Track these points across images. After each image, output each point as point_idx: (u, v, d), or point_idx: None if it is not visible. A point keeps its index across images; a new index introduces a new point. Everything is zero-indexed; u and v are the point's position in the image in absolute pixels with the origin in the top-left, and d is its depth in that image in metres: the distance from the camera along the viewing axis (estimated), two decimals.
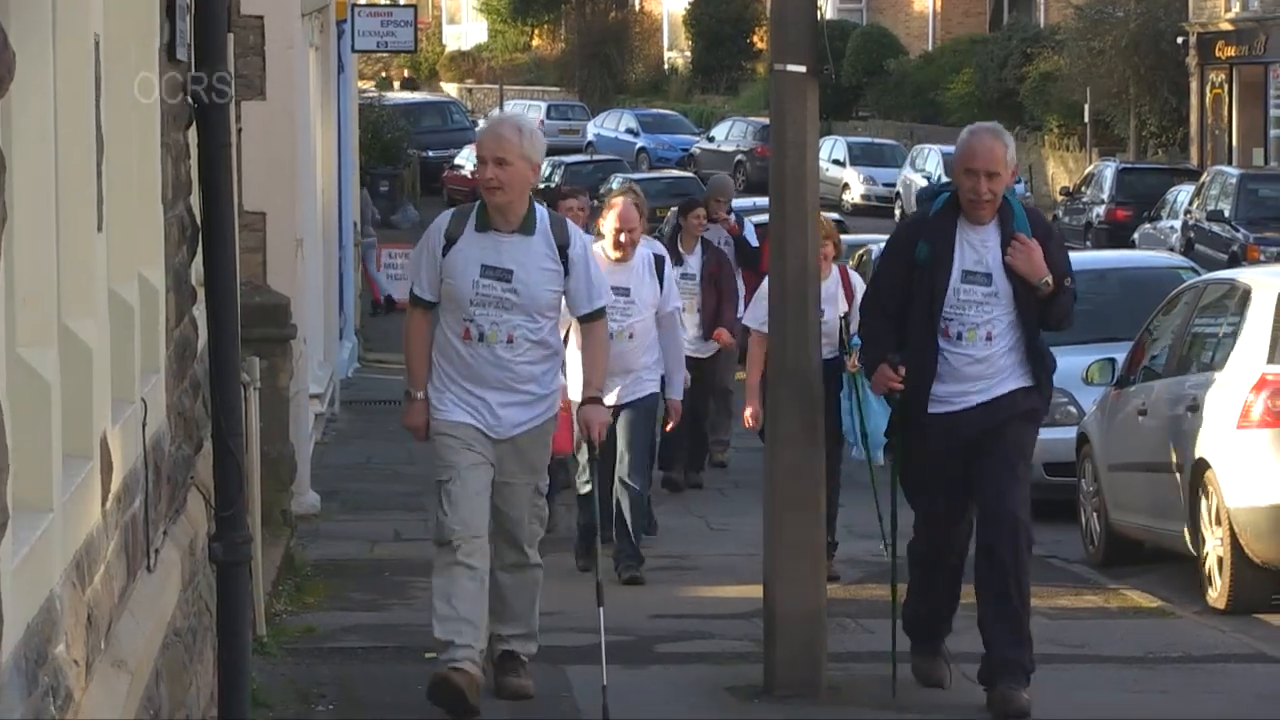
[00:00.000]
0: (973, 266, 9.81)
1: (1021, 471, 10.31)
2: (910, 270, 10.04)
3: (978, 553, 10.18)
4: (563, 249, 9.84)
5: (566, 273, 9.88)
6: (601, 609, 10.51)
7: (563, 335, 11.30)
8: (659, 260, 16.25)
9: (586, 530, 15.40)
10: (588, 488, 12.21)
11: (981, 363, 9.87)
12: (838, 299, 15.60)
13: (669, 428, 17.62)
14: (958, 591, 10.62)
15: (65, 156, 6.06)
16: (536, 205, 10.09)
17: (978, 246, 9.84)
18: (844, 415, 15.53)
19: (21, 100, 5.19)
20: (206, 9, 9.01)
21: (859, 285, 15.86)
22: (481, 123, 19.60)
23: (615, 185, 49.56)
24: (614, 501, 15.46)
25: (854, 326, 14.94)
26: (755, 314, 15.88)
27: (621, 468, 15.47)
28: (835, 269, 16.00)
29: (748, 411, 16.49)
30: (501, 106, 65.35)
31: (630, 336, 15.41)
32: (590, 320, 10.14)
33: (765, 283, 14.11)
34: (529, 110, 67.44)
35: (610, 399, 14.20)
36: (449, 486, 10.11)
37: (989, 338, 9.77)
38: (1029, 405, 10.24)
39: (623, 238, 15.44)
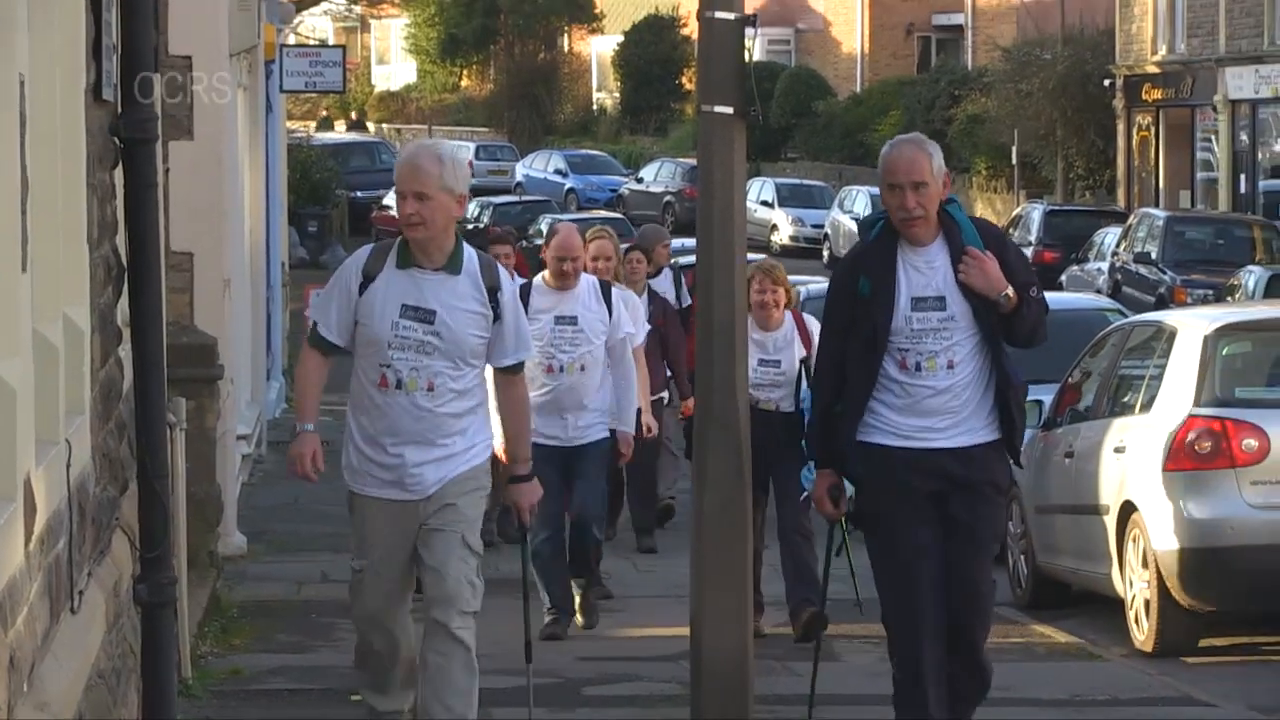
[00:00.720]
0: (921, 291, 8.76)
1: (989, 563, 9.33)
2: (854, 310, 9.00)
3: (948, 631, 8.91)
4: (492, 291, 8.93)
5: (496, 318, 8.97)
6: (529, 665, 10.27)
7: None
8: (604, 285, 15.12)
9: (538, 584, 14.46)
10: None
11: (944, 394, 8.82)
12: (794, 346, 14.72)
13: (620, 461, 16.19)
14: (939, 695, 8.98)
15: None
16: (464, 243, 9.13)
17: (924, 269, 8.80)
18: (806, 470, 12.98)
19: None
20: (133, 49, 8.99)
21: (814, 327, 13.65)
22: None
23: (544, 226, 49.96)
24: (570, 545, 14.86)
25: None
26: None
27: (580, 509, 14.85)
28: (788, 315, 14.91)
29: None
30: None
31: (581, 369, 14.59)
32: (511, 373, 9.28)
33: None
34: (457, 147, 67.33)
35: (559, 437, 14.29)
36: (361, 577, 9.44)
37: (950, 366, 8.75)
38: (1000, 477, 9.13)
39: (565, 266, 14.60)
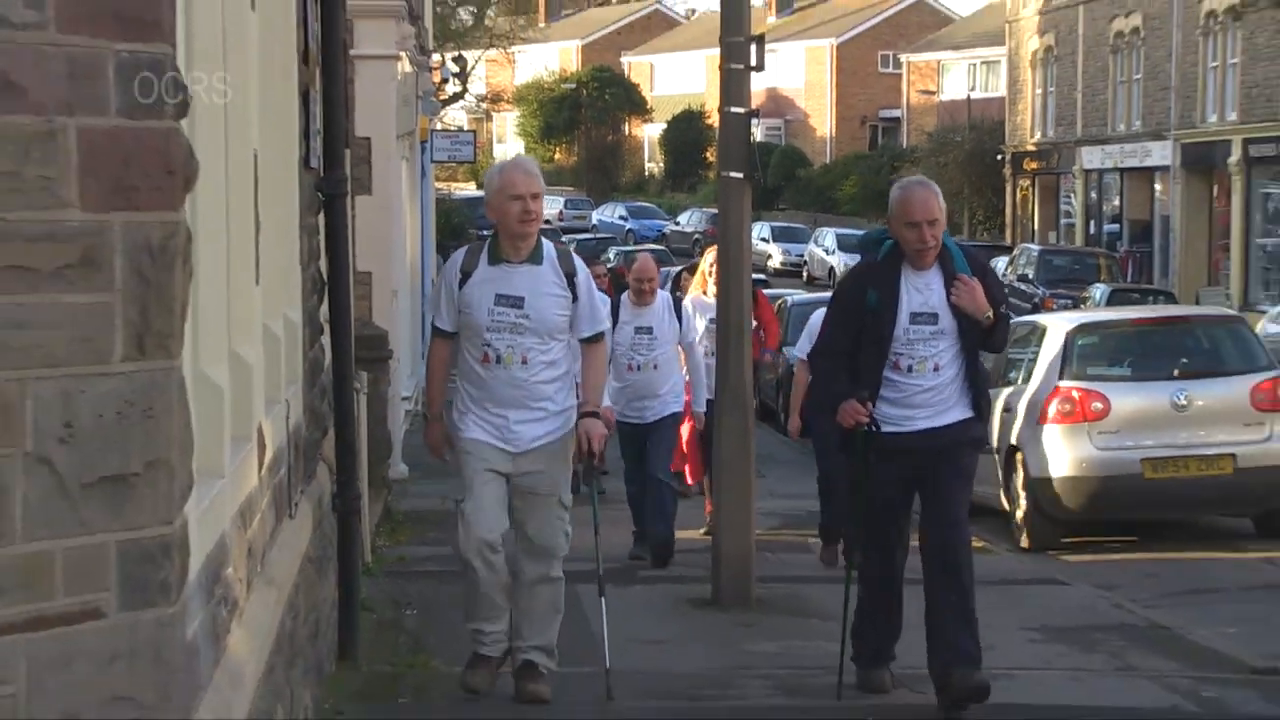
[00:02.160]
0: (919, 308, 8.04)
1: (963, 492, 8.45)
2: (861, 315, 8.18)
3: (931, 562, 8.09)
4: (569, 277, 8.01)
5: (574, 299, 8.03)
6: (600, 571, 8.86)
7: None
8: (677, 301, 14.01)
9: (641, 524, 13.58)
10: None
11: (929, 391, 8.10)
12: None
13: (688, 434, 14.35)
14: (899, 614, 8.47)
15: (233, 232, 6.07)
16: (543, 238, 8.20)
17: (922, 290, 8.05)
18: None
19: (204, 193, 5.20)
20: (331, 133, 9.03)
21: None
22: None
23: (612, 255, 49.97)
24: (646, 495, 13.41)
25: None
26: (801, 346, 14.08)
27: (653, 468, 13.22)
28: None
29: (791, 424, 14.64)
30: None
31: (655, 367, 13.24)
32: (591, 342, 8.20)
33: (816, 316, 12.74)
34: (550, 202, 67.43)
35: (639, 419, 13.28)
36: (464, 507, 8.13)
37: (936, 369, 8.05)
38: (974, 434, 8.41)
39: (643, 286, 13.38)
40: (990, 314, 8.02)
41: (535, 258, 7.91)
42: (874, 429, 8.13)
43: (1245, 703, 9.00)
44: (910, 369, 8.03)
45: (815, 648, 9.96)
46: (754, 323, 14.16)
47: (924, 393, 8.09)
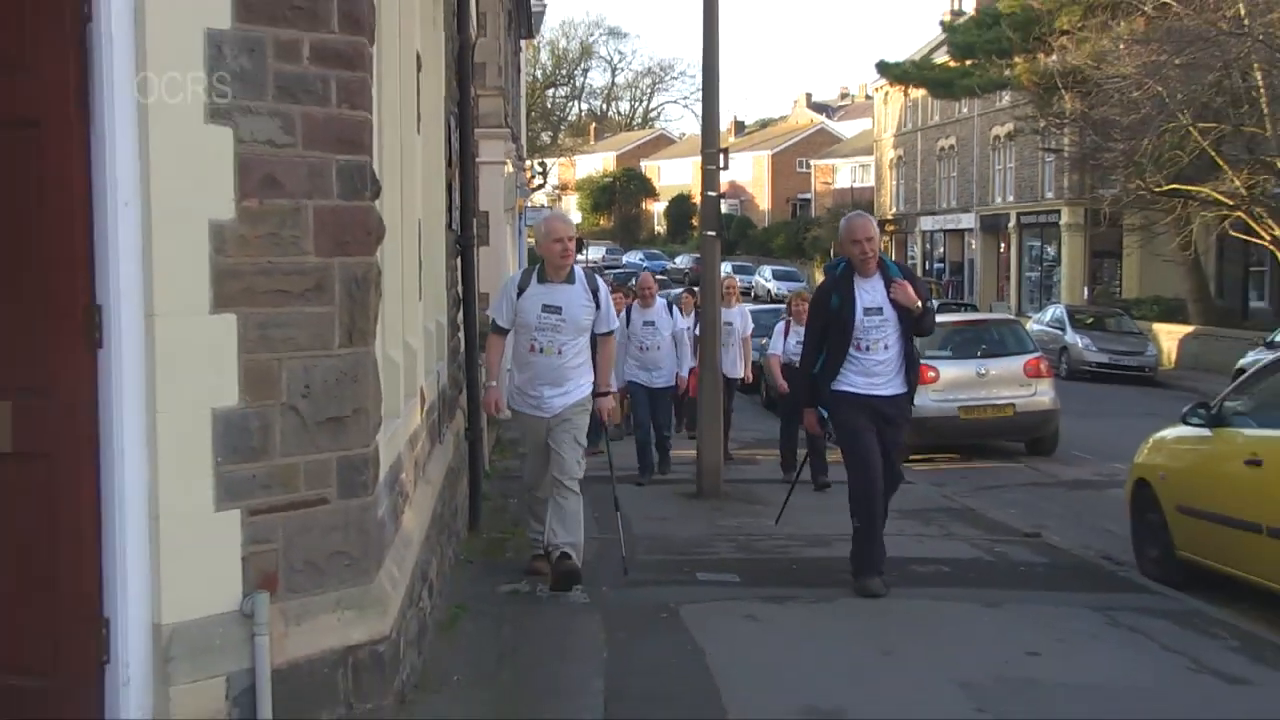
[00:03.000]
0: (869, 305, 7.56)
1: (899, 453, 7.86)
2: (828, 313, 7.66)
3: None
4: (594, 292, 7.44)
5: (597, 306, 7.44)
6: (615, 495, 8.31)
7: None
8: (669, 304, 13.63)
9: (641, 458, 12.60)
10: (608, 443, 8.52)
11: (882, 363, 7.54)
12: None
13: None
14: (882, 528, 7.67)
15: (405, 268, 6.10)
16: (575, 266, 7.60)
17: (870, 291, 7.57)
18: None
19: (389, 245, 5.24)
20: (464, 205, 9.05)
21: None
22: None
23: (634, 283, 49.80)
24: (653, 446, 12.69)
25: None
26: (774, 344, 13.00)
27: (659, 425, 12.84)
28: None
29: (780, 387, 12.78)
30: (583, 250, 65.17)
31: (659, 348, 12.70)
32: (605, 337, 7.62)
33: (778, 325, 12.91)
34: (596, 250, 67.33)
35: (647, 383, 12.62)
36: (524, 456, 7.86)
37: (885, 347, 7.52)
38: (906, 411, 7.78)
39: (645, 292, 13.14)
40: (919, 305, 7.57)
41: (570, 279, 7.39)
42: (825, 427, 7.89)
43: (1019, 554, 9.02)
44: (867, 349, 7.55)
45: (760, 523, 9.97)
46: (751, 325, 14.14)
47: (879, 364, 7.57)
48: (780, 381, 12.58)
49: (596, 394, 7.56)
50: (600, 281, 7.64)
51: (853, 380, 7.60)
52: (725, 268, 36.29)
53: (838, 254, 7.98)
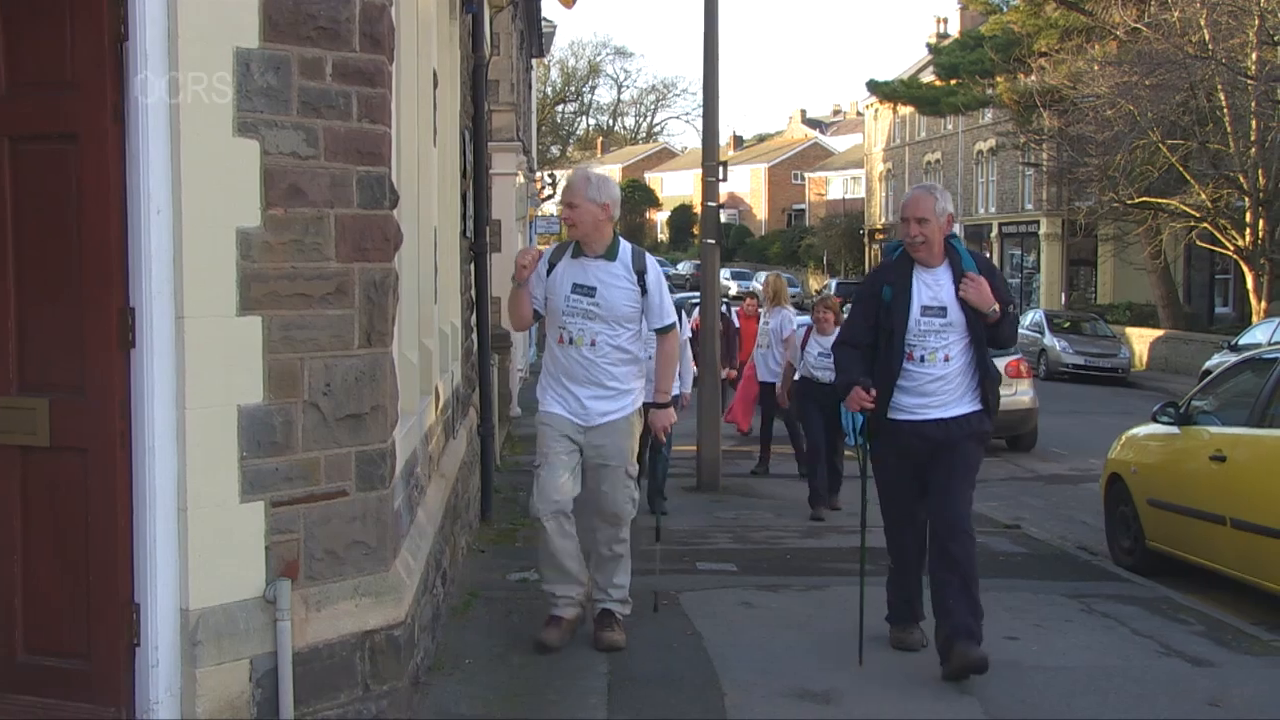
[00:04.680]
0: (929, 302, 5.64)
1: (967, 484, 5.63)
2: (878, 309, 5.70)
3: (937, 553, 5.52)
4: (640, 274, 5.74)
5: (644, 293, 5.74)
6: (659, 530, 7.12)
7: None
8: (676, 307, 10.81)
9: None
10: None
11: (940, 380, 5.59)
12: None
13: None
14: (920, 579, 5.88)
15: (422, 274, 6.07)
16: (620, 238, 5.83)
17: (932, 285, 5.65)
18: (843, 417, 7.84)
19: (407, 251, 5.21)
20: (478, 215, 9.01)
21: None
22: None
23: None
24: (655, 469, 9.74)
25: None
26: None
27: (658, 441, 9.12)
28: (838, 328, 8.28)
29: (780, 398, 11.29)
30: None
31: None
32: (661, 333, 5.92)
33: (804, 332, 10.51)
34: None
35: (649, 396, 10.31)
36: (539, 472, 5.70)
37: (947, 359, 5.58)
38: (981, 428, 5.69)
39: None
40: (996, 308, 5.57)
41: (610, 254, 5.74)
42: (876, 413, 5.64)
43: (999, 545, 8.97)
44: (922, 359, 5.60)
45: (756, 516, 9.95)
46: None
47: (934, 381, 5.59)
48: (782, 390, 11.07)
49: (652, 404, 5.95)
50: (651, 262, 5.83)
51: (898, 401, 5.63)
52: (724, 274, 36.15)
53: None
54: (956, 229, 5.85)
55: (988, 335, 5.64)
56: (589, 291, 5.66)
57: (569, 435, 5.67)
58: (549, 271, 5.76)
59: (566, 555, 5.68)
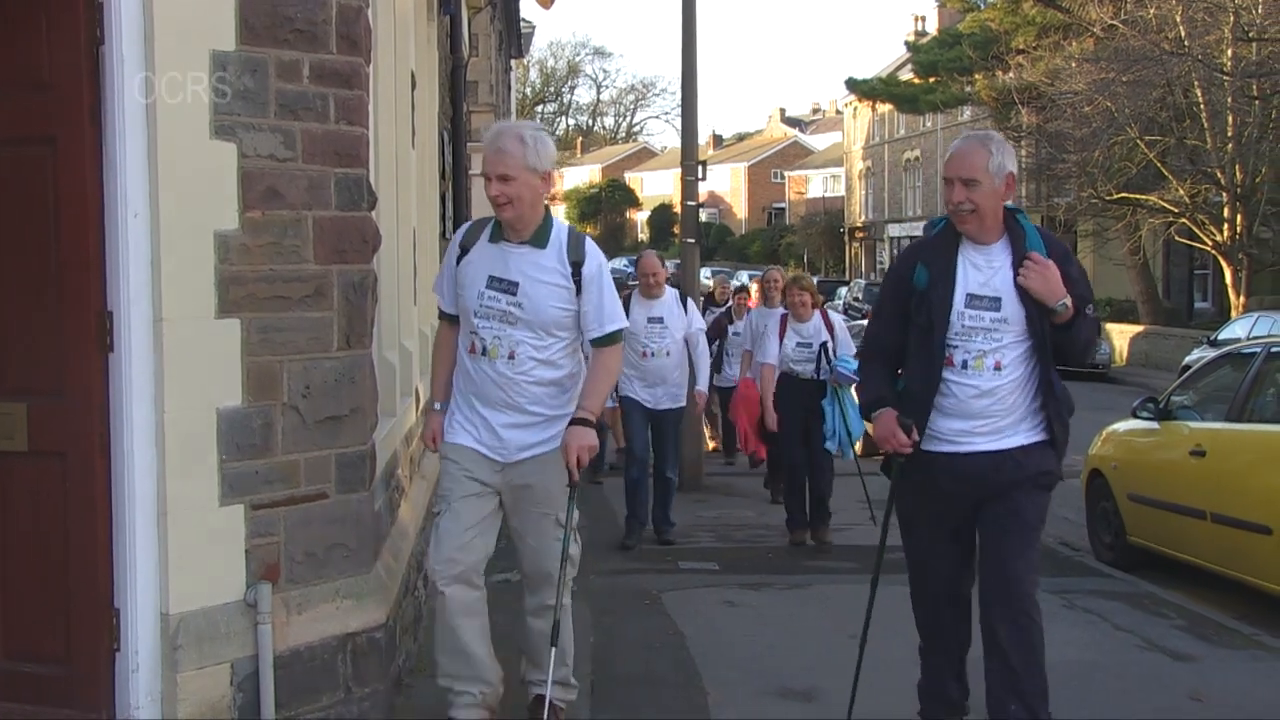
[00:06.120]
0: (978, 289, 4.05)
1: (1028, 546, 4.04)
2: (908, 297, 4.14)
3: (984, 636, 4.09)
4: (576, 266, 4.21)
5: (579, 291, 4.21)
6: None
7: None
8: (682, 295, 8.88)
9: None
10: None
11: (988, 396, 4.03)
12: (820, 332, 8.47)
13: (697, 410, 9.77)
14: (963, 666, 4.42)
15: (401, 274, 6.07)
16: (553, 218, 4.33)
17: (983, 267, 4.07)
18: (827, 419, 8.42)
19: (385, 253, 5.21)
20: (457, 217, 9.00)
21: (836, 320, 8.71)
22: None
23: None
24: (649, 488, 8.65)
25: (839, 350, 8.44)
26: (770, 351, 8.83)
27: (660, 464, 8.59)
28: (816, 313, 8.61)
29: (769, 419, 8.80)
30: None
31: (667, 354, 8.40)
32: (602, 344, 4.26)
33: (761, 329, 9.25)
34: None
35: (649, 402, 8.40)
36: (439, 521, 4.28)
37: (998, 367, 4.02)
38: (1044, 468, 4.07)
39: (649, 280, 8.51)
40: (1067, 302, 3.99)
41: (539, 239, 4.23)
42: (911, 462, 4.08)
43: None
44: (965, 365, 4.04)
45: (738, 514, 9.97)
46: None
47: (981, 397, 4.04)
48: (770, 409, 8.78)
49: (571, 420, 4.24)
50: (593, 250, 4.32)
51: (935, 425, 4.12)
52: (704, 272, 36.21)
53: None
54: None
55: (1055, 342, 4.07)
56: (509, 287, 4.23)
57: (480, 476, 4.28)
58: (460, 259, 4.35)
59: (471, 637, 4.27)
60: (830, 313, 8.82)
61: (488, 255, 4.28)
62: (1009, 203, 4.16)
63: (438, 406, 4.44)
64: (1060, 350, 4.09)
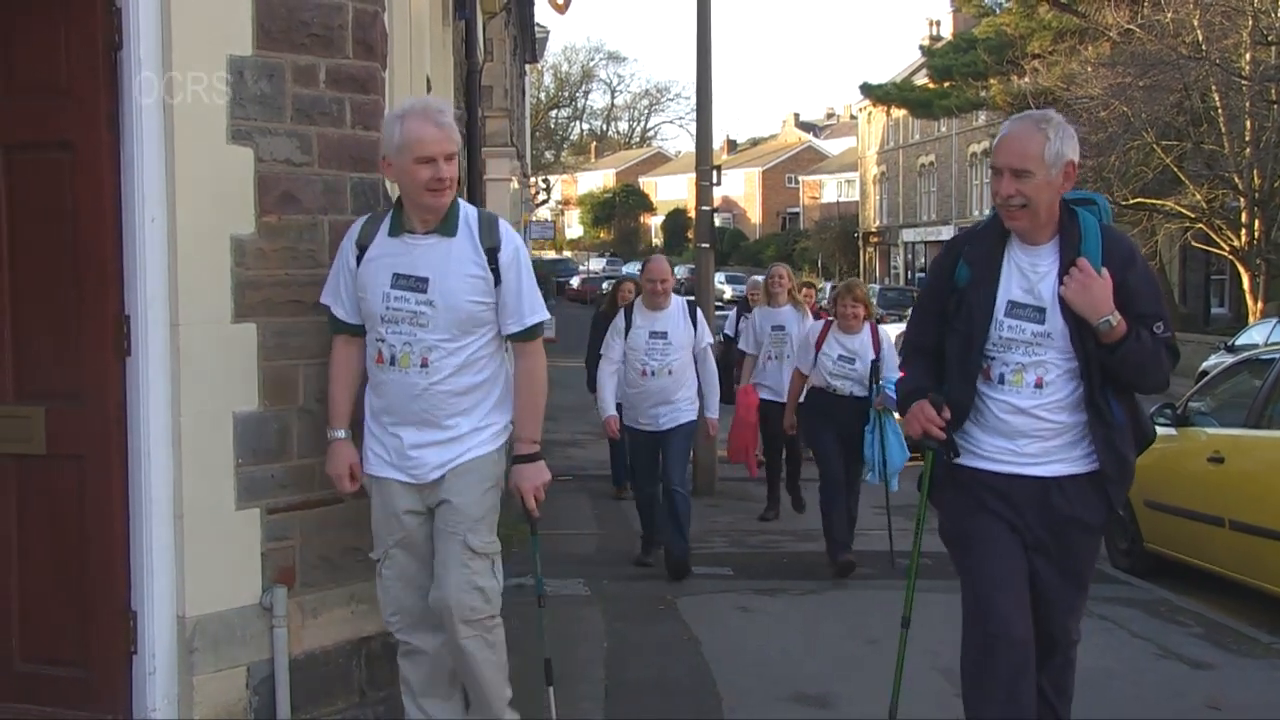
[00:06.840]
0: (1021, 297, 3.43)
1: (1079, 589, 3.65)
2: (949, 295, 3.56)
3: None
4: (491, 252, 3.67)
5: (497, 281, 3.69)
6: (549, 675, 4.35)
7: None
8: (691, 305, 7.91)
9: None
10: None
11: (1026, 414, 3.45)
12: (868, 348, 7.68)
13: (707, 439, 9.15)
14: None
15: None
16: (460, 201, 3.76)
17: (1028, 272, 3.44)
18: (866, 446, 7.65)
19: None
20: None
21: (885, 337, 7.88)
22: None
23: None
24: (663, 506, 7.65)
25: (884, 371, 7.63)
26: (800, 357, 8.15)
27: (668, 480, 7.51)
28: (866, 325, 7.81)
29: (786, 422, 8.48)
30: (587, 265, 64.50)
31: (670, 373, 7.47)
32: (522, 340, 3.77)
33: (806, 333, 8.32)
34: (597, 261, 67.00)
35: (653, 425, 7.53)
36: (381, 569, 3.85)
37: (1039, 385, 3.43)
38: (1094, 508, 3.51)
39: (656, 287, 7.56)
40: (1111, 319, 3.37)
41: (447, 227, 3.72)
42: (948, 453, 3.60)
43: None
44: (1002, 379, 3.52)
45: (753, 520, 9.96)
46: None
47: (1016, 415, 3.51)
48: (790, 413, 8.38)
49: (515, 457, 3.88)
50: (508, 232, 3.79)
51: (976, 441, 3.61)
52: (719, 277, 35.80)
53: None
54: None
55: (1103, 363, 3.47)
56: (418, 285, 3.71)
57: (408, 507, 3.80)
58: (359, 259, 3.79)
59: (424, 685, 3.94)
60: (880, 329, 7.96)
61: (390, 251, 3.75)
62: (1081, 191, 3.57)
63: (341, 435, 3.85)
64: (1112, 373, 3.49)
